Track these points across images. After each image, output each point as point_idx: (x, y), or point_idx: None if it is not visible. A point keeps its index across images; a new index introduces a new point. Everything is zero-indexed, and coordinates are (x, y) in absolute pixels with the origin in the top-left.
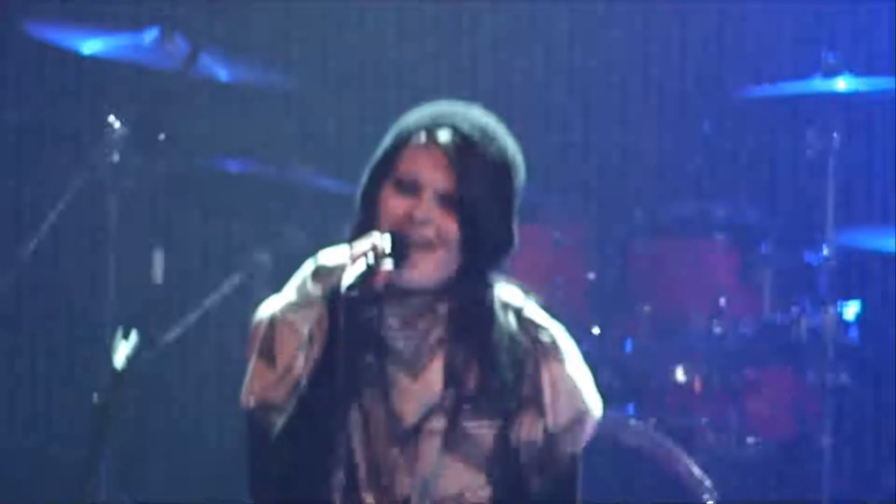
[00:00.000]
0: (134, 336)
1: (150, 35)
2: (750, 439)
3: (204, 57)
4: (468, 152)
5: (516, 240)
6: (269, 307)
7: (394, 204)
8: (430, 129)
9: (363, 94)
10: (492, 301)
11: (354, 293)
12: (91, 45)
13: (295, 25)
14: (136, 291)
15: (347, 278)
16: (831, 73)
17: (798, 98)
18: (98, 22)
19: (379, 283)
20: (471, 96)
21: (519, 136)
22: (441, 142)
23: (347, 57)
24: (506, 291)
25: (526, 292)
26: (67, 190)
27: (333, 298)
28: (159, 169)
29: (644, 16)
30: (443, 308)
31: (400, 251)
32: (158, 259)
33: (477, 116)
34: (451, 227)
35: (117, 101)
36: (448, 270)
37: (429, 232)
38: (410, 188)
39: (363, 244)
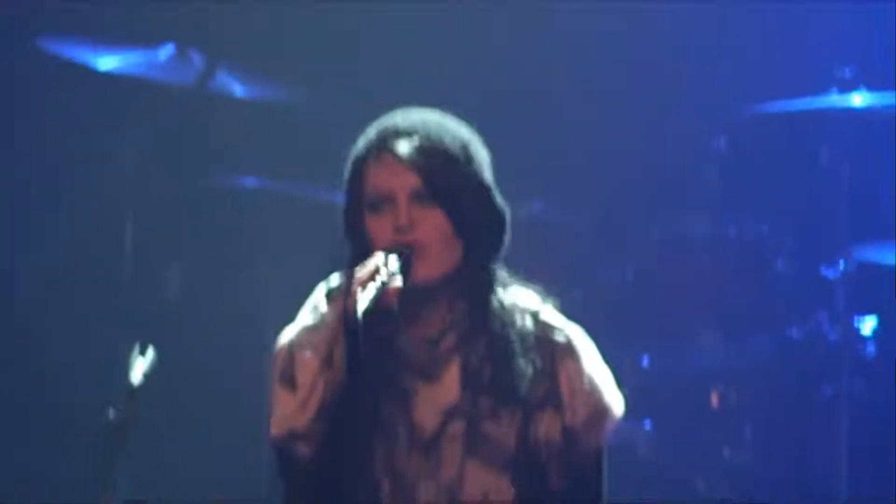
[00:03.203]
0: (150, 352)
1: (165, 51)
2: (766, 454)
3: (219, 73)
4: (421, 146)
5: (508, 217)
6: (286, 335)
7: (377, 226)
8: (379, 144)
9: (379, 110)
10: (493, 292)
11: (371, 316)
12: (106, 62)
13: (311, 41)
14: (151, 307)
15: (362, 303)
16: (847, 88)
17: (814, 113)
18: (113, 38)
19: (392, 300)
20: (484, 109)
21: (530, 151)
22: (392, 149)
23: (363, 72)
24: (522, 295)
25: (543, 296)
26: (82, 206)
27: (351, 324)
28: (175, 185)
29: (658, 31)
30: (452, 308)
31: (405, 264)
32: (174, 275)
33: (415, 113)
34: (437, 222)
35: (133, 118)
36: (448, 265)
37: (417, 234)
38: (384, 203)
39: (369, 266)
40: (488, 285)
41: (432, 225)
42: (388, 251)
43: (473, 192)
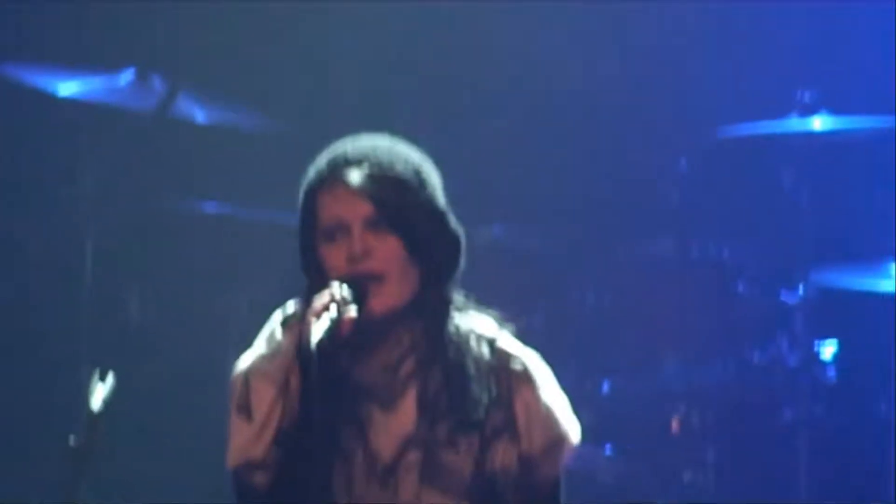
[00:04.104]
0: (110, 378)
1: (125, 77)
2: (727, 478)
3: (180, 98)
4: (371, 173)
5: (463, 240)
6: (243, 363)
7: (332, 255)
8: (330, 174)
9: (341, 136)
10: (449, 320)
11: (325, 347)
12: (67, 87)
13: (272, 67)
14: (111, 332)
15: (316, 334)
16: (807, 111)
17: (774, 137)
18: (74, 63)
19: (346, 330)
20: (448, 131)
21: (493, 174)
22: (343, 178)
23: (324, 98)
24: (479, 322)
25: (500, 322)
26: (43, 232)
27: (305, 354)
28: (135, 210)
29: (619, 54)
30: (409, 336)
31: (359, 294)
32: (134, 301)
33: (365, 139)
34: (392, 248)
35: (94, 143)
36: (405, 293)
37: (373, 263)
38: (338, 232)
39: (323, 297)
40: (446, 311)
41: (387, 252)
42: (342, 281)
43: (427, 216)
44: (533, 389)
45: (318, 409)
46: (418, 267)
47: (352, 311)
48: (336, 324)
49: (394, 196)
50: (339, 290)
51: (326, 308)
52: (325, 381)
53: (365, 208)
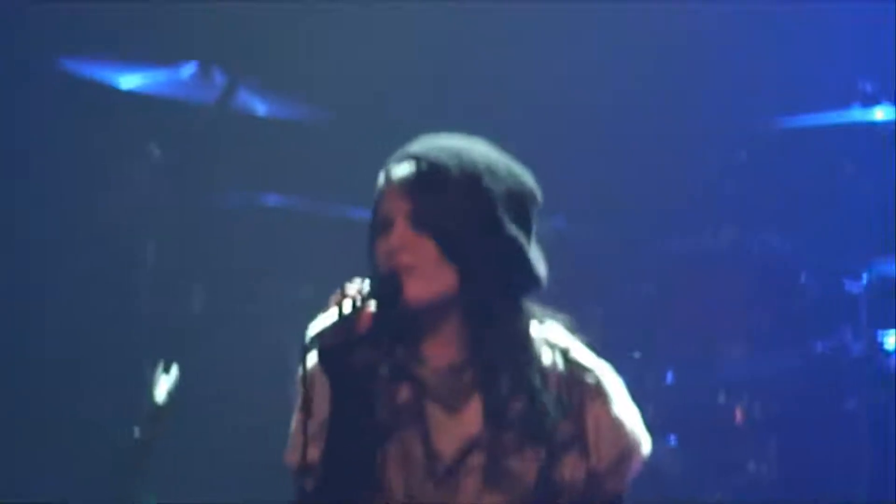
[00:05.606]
0: (174, 371)
1: (187, 70)
2: (790, 468)
3: (241, 91)
4: (417, 172)
5: (519, 252)
6: (310, 360)
7: (379, 248)
8: (387, 169)
9: (399, 129)
10: (514, 324)
11: (328, 340)
12: (129, 80)
13: (331, 60)
14: (173, 324)
15: (316, 328)
16: (869, 102)
17: (837, 128)
18: (136, 56)
19: (364, 325)
20: (504, 128)
21: (552, 166)
22: (394, 176)
23: (384, 92)
24: (552, 330)
25: (571, 330)
26: (105, 225)
27: (301, 350)
28: (198, 203)
29: (682, 44)
30: (460, 336)
31: (386, 288)
32: (197, 293)
33: (437, 139)
34: (426, 246)
35: (155, 136)
36: (438, 290)
37: (406, 257)
38: (386, 226)
39: (337, 294)
40: (496, 316)
41: (421, 249)
42: (378, 275)
43: (470, 222)
44: (605, 404)
45: (346, 408)
46: (456, 268)
47: (370, 307)
48: (346, 318)
49: (432, 197)
50: (356, 285)
51: (339, 304)
52: (335, 373)
53: (405, 205)
